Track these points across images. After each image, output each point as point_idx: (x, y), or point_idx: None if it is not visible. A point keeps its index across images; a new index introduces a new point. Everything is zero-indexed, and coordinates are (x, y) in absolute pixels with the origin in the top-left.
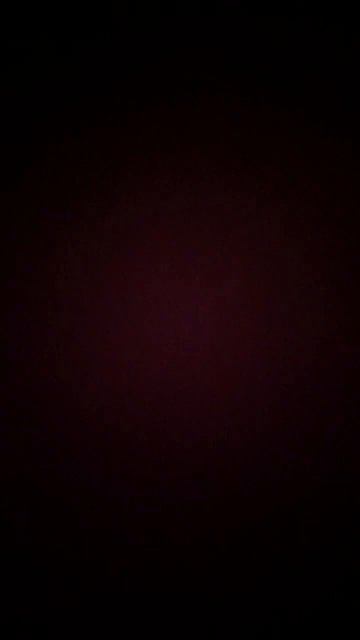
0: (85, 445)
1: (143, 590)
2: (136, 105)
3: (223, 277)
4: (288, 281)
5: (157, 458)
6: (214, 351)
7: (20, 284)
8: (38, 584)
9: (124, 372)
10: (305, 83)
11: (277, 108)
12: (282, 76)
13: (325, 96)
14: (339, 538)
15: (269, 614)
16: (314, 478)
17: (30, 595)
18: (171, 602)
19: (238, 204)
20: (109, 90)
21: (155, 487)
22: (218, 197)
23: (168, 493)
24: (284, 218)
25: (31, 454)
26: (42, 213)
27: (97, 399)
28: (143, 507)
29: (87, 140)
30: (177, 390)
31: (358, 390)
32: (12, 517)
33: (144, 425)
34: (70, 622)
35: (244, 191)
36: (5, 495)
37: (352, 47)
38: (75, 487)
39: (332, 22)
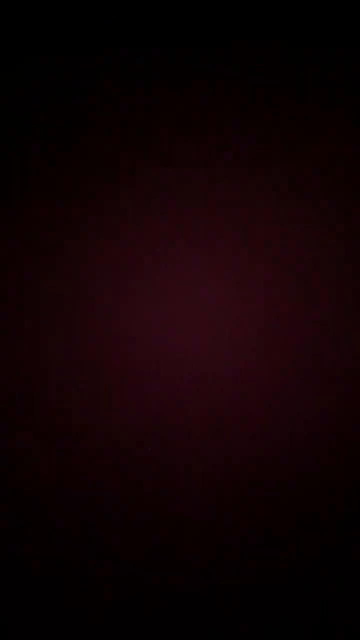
0: (85, 450)
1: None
2: (138, 107)
3: (229, 278)
4: (293, 283)
5: (158, 459)
6: (220, 354)
7: (21, 287)
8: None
9: (125, 373)
10: (305, 84)
11: (276, 113)
12: (283, 77)
13: (326, 97)
14: (340, 545)
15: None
16: (316, 481)
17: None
18: (171, 604)
19: (241, 214)
20: (109, 91)
21: (156, 490)
22: (226, 197)
23: (169, 496)
24: (284, 227)
25: (30, 459)
26: (43, 213)
27: (98, 401)
28: (143, 510)
29: (88, 135)
30: (182, 393)
31: None
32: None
33: (145, 427)
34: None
35: (253, 191)
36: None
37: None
38: (75, 488)
39: (334, 23)
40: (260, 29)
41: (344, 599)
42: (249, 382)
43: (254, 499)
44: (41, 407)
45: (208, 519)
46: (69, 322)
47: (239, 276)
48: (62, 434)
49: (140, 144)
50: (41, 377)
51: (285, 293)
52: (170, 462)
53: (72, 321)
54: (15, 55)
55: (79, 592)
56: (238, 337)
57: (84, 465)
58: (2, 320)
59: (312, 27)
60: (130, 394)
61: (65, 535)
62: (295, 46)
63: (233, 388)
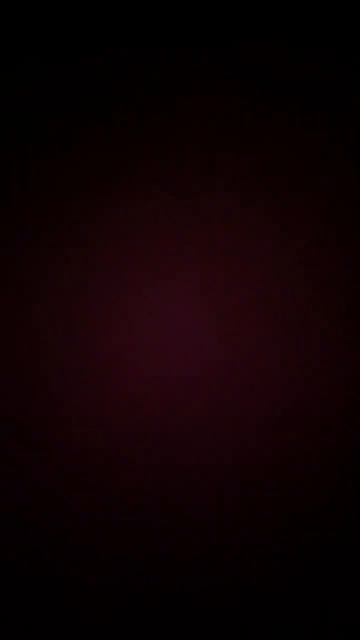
0: (85, 453)
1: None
2: (139, 107)
3: (224, 289)
4: (289, 291)
5: (156, 465)
6: (215, 363)
7: (21, 287)
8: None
9: (123, 380)
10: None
11: (276, 114)
12: (283, 77)
13: (326, 97)
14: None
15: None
16: (316, 481)
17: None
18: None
19: (240, 215)
20: (109, 91)
21: (153, 495)
22: (220, 207)
23: (169, 496)
24: (284, 228)
25: (30, 461)
26: (43, 213)
27: (97, 408)
28: (140, 516)
29: (88, 135)
30: (177, 400)
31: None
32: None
33: (142, 434)
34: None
35: (246, 201)
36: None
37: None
38: (74, 490)
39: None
40: (260, 29)
41: (344, 599)
42: (248, 382)
43: (254, 499)
44: (41, 408)
45: (208, 518)
46: (69, 322)
47: (239, 280)
48: (62, 434)
49: (140, 144)
50: (41, 377)
51: (285, 294)
52: (170, 462)
53: (72, 321)
54: (15, 55)
55: (78, 594)
56: (237, 337)
57: (83, 466)
58: (2, 319)
59: (312, 27)
60: (130, 394)
61: (64, 536)
62: (295, 46)
63: (233, 389)
